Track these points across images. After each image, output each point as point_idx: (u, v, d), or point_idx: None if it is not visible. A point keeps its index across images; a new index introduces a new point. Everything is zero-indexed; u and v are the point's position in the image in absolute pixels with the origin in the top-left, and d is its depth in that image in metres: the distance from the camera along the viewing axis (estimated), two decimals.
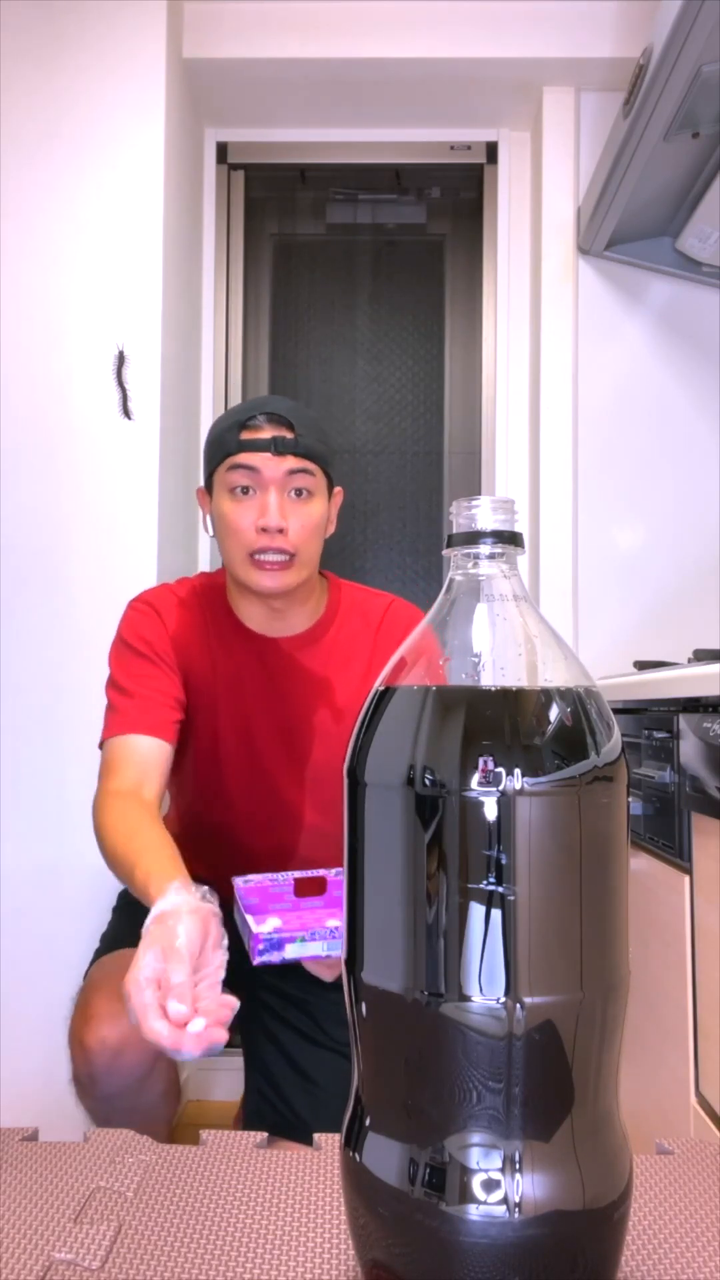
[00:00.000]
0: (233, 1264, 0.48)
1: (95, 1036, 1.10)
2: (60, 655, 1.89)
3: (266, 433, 1.23)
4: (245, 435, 1.23)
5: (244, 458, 1.22)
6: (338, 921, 1.00)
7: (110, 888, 1.48)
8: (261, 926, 1.01)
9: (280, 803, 1.34)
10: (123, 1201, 0.54)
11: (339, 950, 1.00)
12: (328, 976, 1.10)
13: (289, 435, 1.23)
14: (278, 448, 1.21)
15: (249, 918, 1.05)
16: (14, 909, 1.88)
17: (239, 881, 1.14)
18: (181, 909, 0.88)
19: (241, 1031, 1.45)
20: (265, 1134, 0.64)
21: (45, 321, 1.95)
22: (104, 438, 1.94)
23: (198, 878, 1.21)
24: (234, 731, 1.32)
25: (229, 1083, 2.18)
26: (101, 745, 1.24)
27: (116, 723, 1.23)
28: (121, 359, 1.94)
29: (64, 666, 1.89)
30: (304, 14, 2.08)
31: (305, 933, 0.99)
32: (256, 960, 0.99)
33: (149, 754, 1.20)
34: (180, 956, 0.82)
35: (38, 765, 1.89)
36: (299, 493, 1.24)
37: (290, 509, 1.23)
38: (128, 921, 1.33)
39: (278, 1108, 1.30)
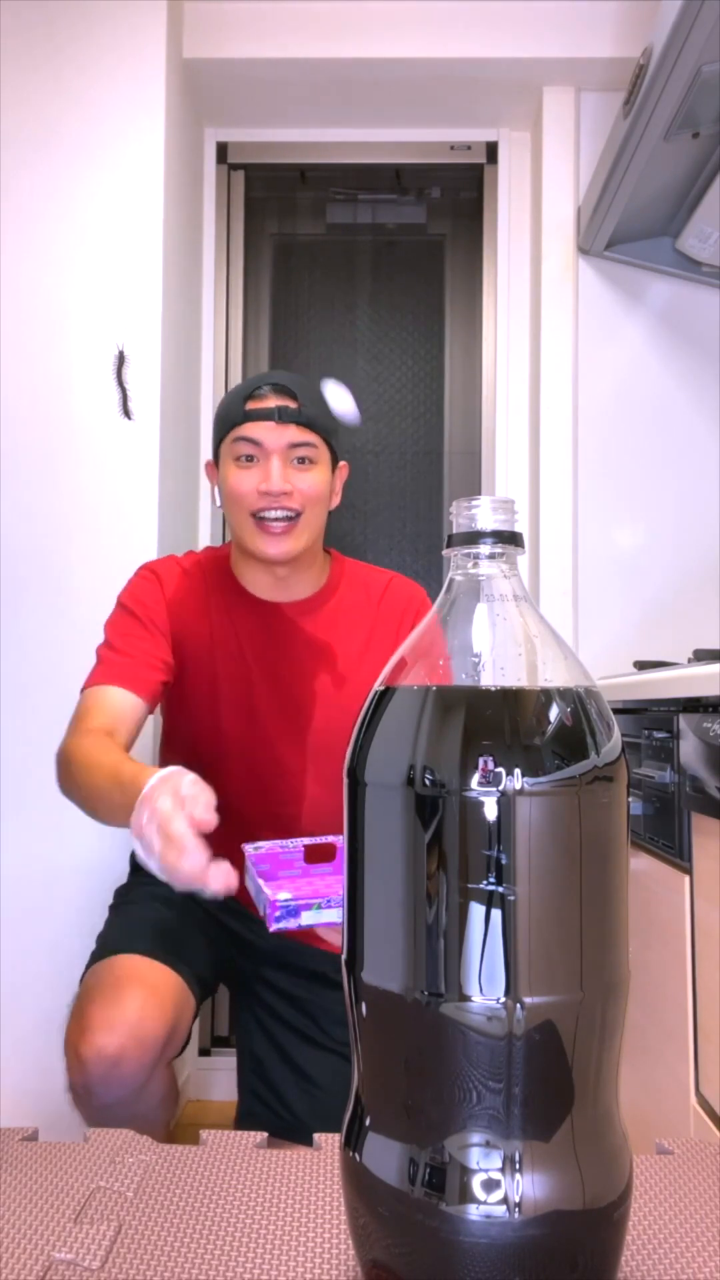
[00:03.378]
0: (233, 1264, 0.48)
1: (92, 1047, 1.09)
2: (60, 655, 1.89)
3: (271, 402, 1.27)
4: (250, 405, 1.28)
5: (248, 428, 1.27)
6: None
7: (110, 888, 1.48)
8: (278, 894, 1.01)
9: (282, 772, 1.35)
10: (123, 1201, 0.54)
11: None
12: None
13: (292, 405, 1.27)
14: (281, 416, 1.26)
15: (263, 884, 1.05)
16: (14, 910, 1.88)
17: (249, 848, 1.13)
18: (181, 772, 0.98)
19: (237, 1030, 1.45)
20: (265, 1134, 0.64)
21: (45, 321, 1.95)
22: (104, 438, 1.94)
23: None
24: (234, 697, 1.34)
25: (229, 1083, 2.17)
26: (82, 691, 1.28)
27: (99, 674, 1.28)
28: (121, 359, 1.94)
29: (64, 666, 1.88)
30: (304, 14, 2.08)
31: (320, 900, 0.99)
32: (273, 926, 0.98)
33: (124, 706, 1.25)
34: (195, 799, 0.93)
35: (38, 765, 1.89)
36: (302, 460, 1.29)
37: (293, 475, 1.28)
38: (123, 922, 1.33)
39: (274, 1109, 1.29)
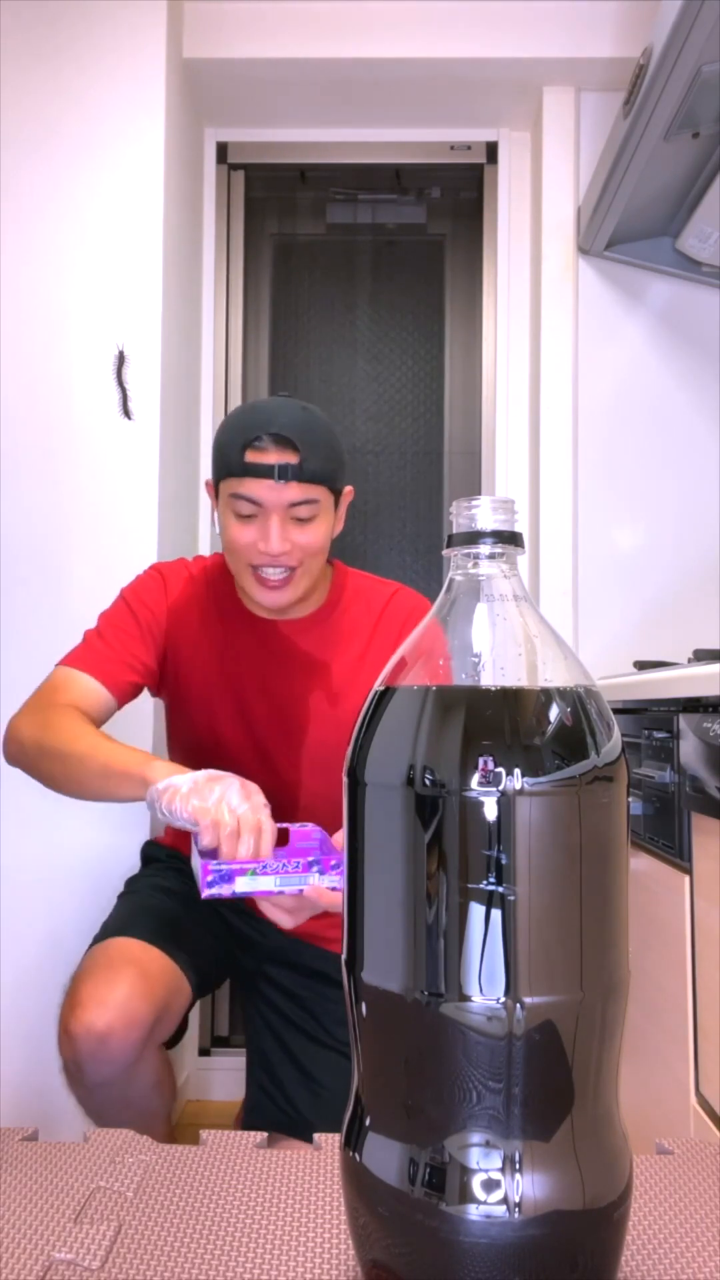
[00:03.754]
0: (233, 1264, 0.48)
1: (81, 1023, 1.12)
2: (60, 654, 1.89)
3: (271, 456, 1.20)
4: (250, 457, 1.21)
5: (247, 485, 1.21)
6: (290, 859, 1.01)
7: (109, 888, 1.48)
8: (210, 859, 1.01)
9: (278, 784, 1.35)
10: (123, 1201, 0.54)
11: (293, 887, 1.00)
12: (287, 922, 1.07)
13: (294, 460, 1.20)
14: (281, 475, 1.20)
15: (196, 852, 1.05)
16: (14, 908, 1.88)
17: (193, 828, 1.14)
18: (229, 774, 1.09)
19: (245, 1025, 1.46)
20: (265, 1134, 0.64)
21: (45, 321, 1.95)
22: (104, 438, 1.94)
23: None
24: (230, 708, 1.35)
25: (229, 1082, 2.18)
26: (58, 664, 1.30)
27: (78, 656, 1.30)
28: (121, 359, 1.94)
29: None
30: (304, 14, 2.08)
31: (255, 865, 0.99)
32: (205, 892, 0.98)
33: (94, 696, 1.27)
34: (259, 792, 1.07)
35: None
36: (301, 518, 1.24)
37: (293, 532, 1.24)
38: (126, 909, 1.35)
39: (280, 1105, 1.30)
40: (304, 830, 1.18)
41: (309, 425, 1.23)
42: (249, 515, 1.23)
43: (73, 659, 1.30)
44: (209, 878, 0.98)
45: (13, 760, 1.24)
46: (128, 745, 1.16)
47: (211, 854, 1.04)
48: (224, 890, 0.98)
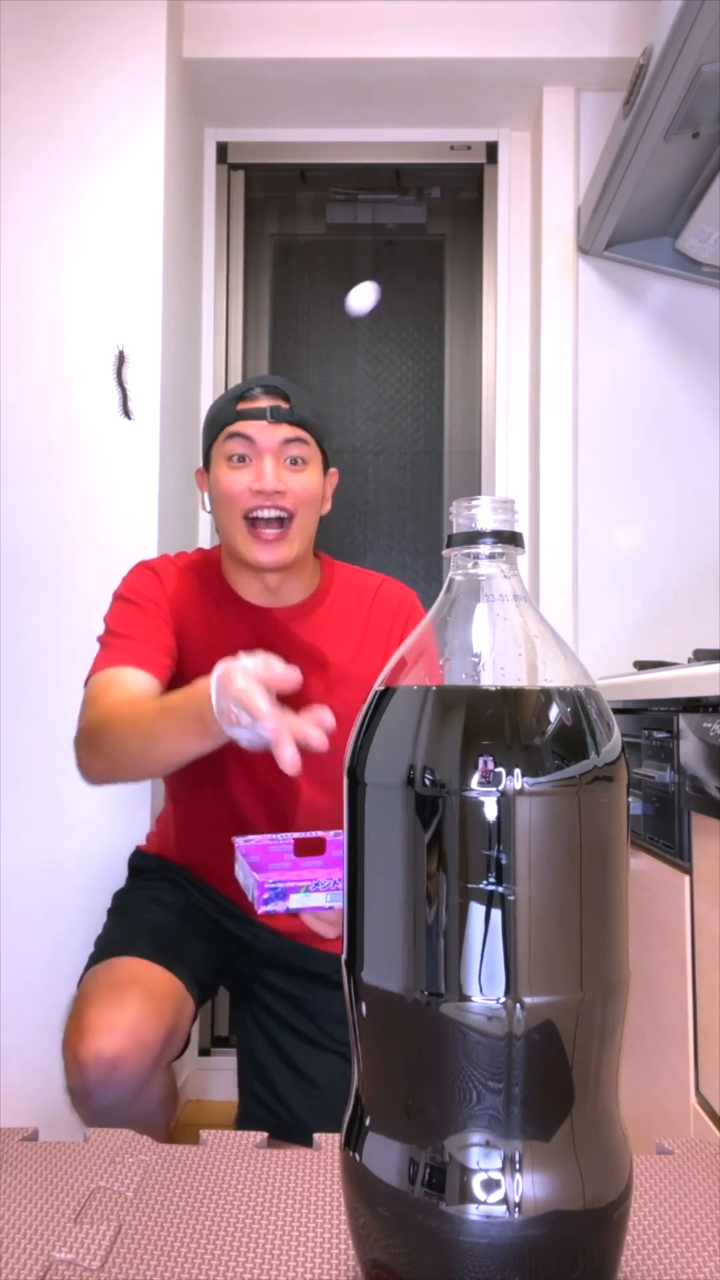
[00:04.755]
0: (233, 1264, 0.48)
1: (90, 1050, 1.09)
2: (60, 655, 1.89)
3: (263, 402, 1.28)
4: (242, 405, 1.28)
5: (240, 426, 1.27)
6: (340, 875, 1.01)
7: (109, 889, 1.48)
8: (266, 876, 1.02)
9: (277, 773, 1.35)
10: (123, 1201, 0.54)
11: (340, 902, 1.00)
12: (330, 933, 1.08)
13: (284, 405, 1.27)
14: (273, 415, 1.26)
15: (251, 871, 1.05)
16: (14, 910, 1.88)
17: (239, 841, 1.14)
18: (227, 662, 0.99)
19: (237, 1031, 1.45)
20: (265, 1134, 0.64)
21: (45, 321, 1.95)
22: (104, 437, 1.94)
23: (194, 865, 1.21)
24: None
25: (229, 1083, 2.17)
26: (88, 681, 1.24)
27: (107, 658, 1.25)
28: (121, 359, 1.94)
29: (64, 666, 1.88)
30: (304, 14, 2.08)
31: (309, 883, 1.00)
32: (261, 909, 0.98)
33: (139, 684, 1.21)
34: (269, 666, 0.98)
35: (38, 765, 1.89)
36: (294, 461, 1.28)
37: (286, 475, 1.27)
38: (122, 925, 1.33)
39: (274, 1110, 1.29)
40: (339, 840, 1.17)
41: (297, 388, 1.32)
42: (242, 458, 1.27)
43: (99, 664, 1.25)
44: (264, 895, 0.99)
45: (95, 778, 1.18)
46: (182, 692, 1.08)
47: (261, 867, 1.06)
48: (279, 907, 0.99)
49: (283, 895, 1.00)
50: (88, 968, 1.25)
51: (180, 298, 2.14)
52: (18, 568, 1.92)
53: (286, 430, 1.27)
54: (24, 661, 1.92)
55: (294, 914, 1.02)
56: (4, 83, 1.96)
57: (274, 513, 1.26)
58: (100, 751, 1.14)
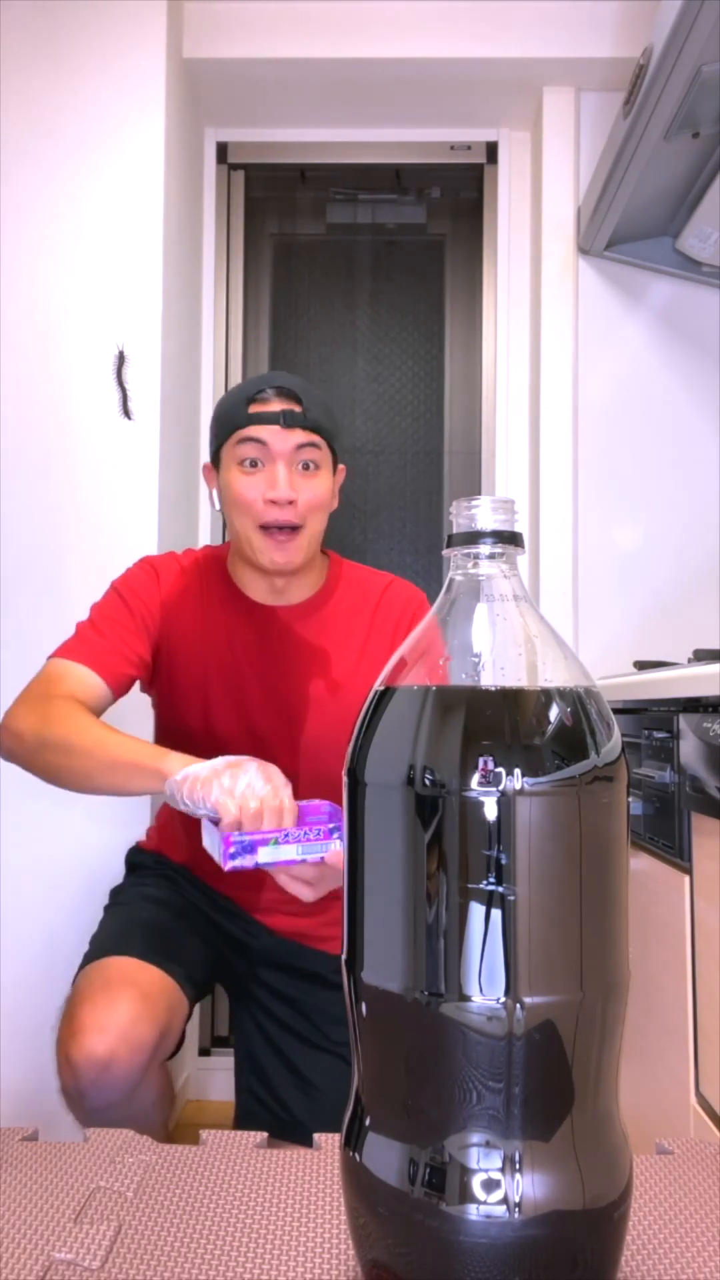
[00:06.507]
0: (233, 1264, 0.48)
1: (82, 1051, 1.08)
2: None
3: (275, 406, 1.25)
4: (254, 408, 1.25)
5: (253, 430, 1.25)
6: (318, 827, 1.00)
7: (108, 887, 1.48)
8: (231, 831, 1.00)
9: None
10: (123, 1201, 0.54)
11: (315, 854, 0.99)
12: (307, 894, 1.06)
13: (297, 409, 1.25)
14: (287, 420, 1.24)
15: (213, 828, 1.03)
16: (14, 908, 1.88)
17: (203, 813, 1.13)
18: (246, 758, 1.08)
19: (234, 1031, 1.45)
20: (265, 1134, 0.64)
21: (45, 321, 1.95)
22: (104, 438, 1.94)
23: (193, 862, 1.25)
24: (227, 700, 1.33)
25: (228, 1083, 2.17)
26: (51, 656, 1.28)
27: (74, 648, 1.27)
28: (121, 359, 1.94)
29: None
30: (304, 14, 2.08)
31: (276, 834, 0.98)
32: (228, 865, 0.96)
33: (91, 687, 1.24)
34: (279, 772, 1.07)
35: None
36: (306, 466, 1.27)
37: (299, 482, 1.26)
38: (116, 923, 1.32)
39: (272, 1109, 1.29)
40: (314, 805, 1.16)
41: (308, 387, 1.29)
42: (254, 463, 1.26)
43: (66, 650, 1.27)
44: (231, 849, 0.96)
45: (9, 754, 1.21)
46: (134, 737, 1.15)
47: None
48: (247, 861, 0.97)
49: (250, 849, 0.97)
50: (81, 967, 1.25)
51: (180, 298, 2.14)
52: (17, 567, 1.92)
53: (300, 435, 1.25)
54: (24, 661, 1.91)
55: (264, 868, 0.99)
56: (4, 82, 1.96)
57: (286, 521, 1.25)
58: (27, 744, 1.18)
